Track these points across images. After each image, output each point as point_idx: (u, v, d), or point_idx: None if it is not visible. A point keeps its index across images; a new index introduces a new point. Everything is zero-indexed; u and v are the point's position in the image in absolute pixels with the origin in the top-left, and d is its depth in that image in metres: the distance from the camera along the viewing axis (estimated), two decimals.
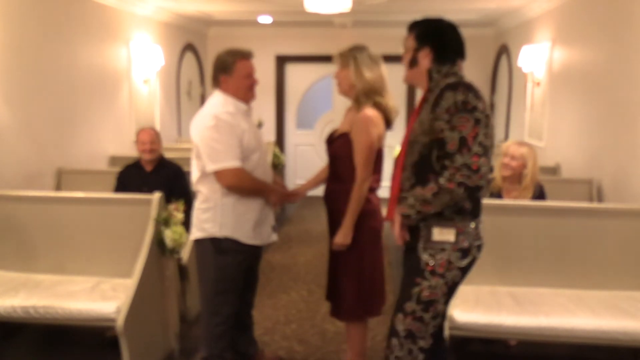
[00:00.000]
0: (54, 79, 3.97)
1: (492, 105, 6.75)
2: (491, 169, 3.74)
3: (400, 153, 2.10)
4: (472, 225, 1.99)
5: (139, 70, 5.14)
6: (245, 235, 2.57)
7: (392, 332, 2.07)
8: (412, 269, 2.04)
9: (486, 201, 3.13)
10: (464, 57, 2.07)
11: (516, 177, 3.19)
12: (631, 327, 2.48)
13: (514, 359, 3.12)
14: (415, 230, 2.02)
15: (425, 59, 2.03)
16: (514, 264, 2.96)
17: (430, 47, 2.01)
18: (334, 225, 2.61)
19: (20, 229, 3.11)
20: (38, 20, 3.77)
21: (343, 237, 2.50)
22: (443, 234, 1.97)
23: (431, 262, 1.99)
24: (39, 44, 3.78)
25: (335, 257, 2.63)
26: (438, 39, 2.02)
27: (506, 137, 5.95)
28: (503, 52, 6.32)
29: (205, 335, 2.67)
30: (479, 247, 2.03)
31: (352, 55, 2.49)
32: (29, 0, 3.67)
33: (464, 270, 2.01)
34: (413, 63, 2.07)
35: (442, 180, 1.88)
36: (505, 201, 3.18)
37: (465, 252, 1.98)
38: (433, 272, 1.99)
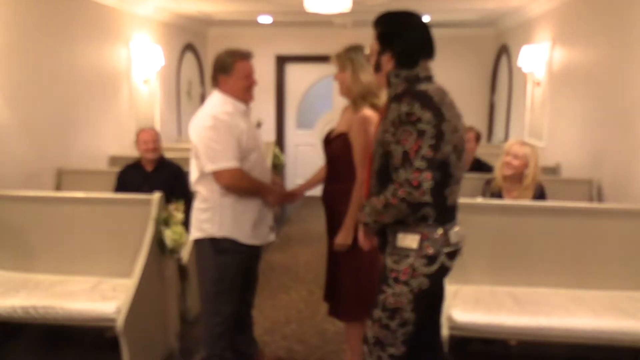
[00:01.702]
0: (54, 79, 3.97)
1: (492, 105, 6.76)
2: (489, 169, 3.75)
3: (368, 159, 2.06)
4: (440, 231, 1.89)
5: (139, 70, 5.14)
6: (244, 235, 2.57)
7: (364, 338, 2.05)
8: (381, 275, 1.99)
9: (486, 201, 3.15)
10: (432, 55, 1.95)
11: (517, 176, 3.20)
12: (631, 327, 2.49)
13: (514, 359, 3.12)
14: (384, 236, 1.99)
15: (388, 64, 1.94)
16: (514, 264, 2.96)
17: (392, 52, 1.92)
18: (332, 225, 2.61)
19: (20, 229, 3.11)
20: (38, 20, 3.77)
21: (344, 237, 2.50)
22: (407, 240, 1.90)
23: (395, 269, 1.92)
24: (39, 44, 3.78)
25: (335, 257, 2.63)
26: (399, 43, 1.92)
27: (506, 137, 5.94)
28: (503, 52, 6.32)
29: (205, 335, 2.67)
30: (452, 254, 1.93)
31: (349, 58, 2.49)
32: (29, 1, 3.67)
33: (432, 278, 1.91)
34: (377, 67, 1.99)
35: (387, 194, 1.84)
36: (506, 201, 3.18)
37: (431, 259, 1.89)
38: (396, 279, 1.91)
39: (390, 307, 1.94)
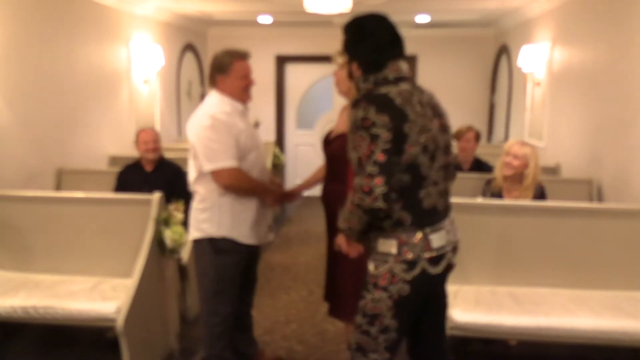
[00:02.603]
0: (54, 79, 3.97)
1: (492, 105, 6.76)
2: (489, 169, 3.75)
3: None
4: (418, 235, 1.83)
5: (139, 70, 5.14)
6: (242, 234, 2.57)
7: (347, 344, 2.03)
8: (364, 280, 1.97)
9: (486, 201, 3.15)
10: (401, 54, 1.92)
11: (517, 177, 3.19)
12: (631, 327, 2.49)
13: (514, 359, 3.12)
14: (366, 241, 1.96)
15: (357, 71, 1.93)
16: (514, 264, 2.96)
17: (357, 60, 1.92)
18: (332, 225, 2.61)
19: (20, 229, 3.11)
20: (38, 20, 3.77)
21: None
22: (385, 245, 1.86)
23: (374, 274, 1.89)
24: (39, 44, 3.78)
25: (334, 257, 2.63)
26: (362, 49, 1.90)
27: (506, 137, 5.94)
28: (503, 52, 6.32)
29: (205, 335, 2.67)
30: (435, 259, 1.87)
31: None
32: (29, 1, 3.67)
33: (414, 284, 1.85)
34: (350, 75, 1.98)
35: (348, 201, 1.83)
36: (506, 201, 3.18)
37: (410, 264, 1.83)
38: (375, 285, 1.88)
39: (370, 313, 1.91)
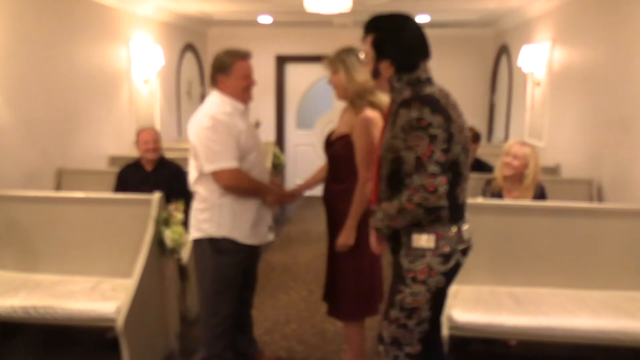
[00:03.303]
0: (54, 79, 3.97)
1: (492, 105, 6.76)
2: (490, 169, 3.75)
3: (375, 164, 2.05)
4: (454, 229, 1.92)
5: (139, 70, 5.14)
6: (242, 235, 2.57)
7: (379, 338, 2.05)
8: (396, 275, 2.01)
9: (486, 201, 3.15)
10: (429, 55, 1.96)
11: (517, 177, 3.19)
12: (631, 327, 2.49)
13: (514, 359, 3.12)
14: (397, 237, 1.99)
15: (387, 71, 1.93)
16: (514, 264, 2.96)
17: (390, 59, 1.91)
18: (333, 225, 2.61)
19: (20, 229, 3.11)
20: (38, 20, 3.77)
21: (346, 238, 2.50)
22: (422, 241, 1.91)
23: (412, 269, 1.93)
24: (39, 44, 3.78)
25: (335, 258, 2.63)
26: (398, 49, 1.91)
27: (506, 137, 5.94)
28: (503, 52, 6.32)
29: (205, 335, 2.67)
30: (464, 251, 1.97)
31: (340, 60, 2.49)
32: (29, 1, 3.67)
33: (448, 275, 1.95)
34: (375, 74, 1.98)
35: (402, 199, 1.84)
36: (506, 201, 3.18)
37: (447, 257, 1.92)
38: (414, 279, 1.93)
39: (408, 307, 1.95)
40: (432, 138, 1.78)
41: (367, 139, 2.43)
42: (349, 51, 2.51)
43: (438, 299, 1.99)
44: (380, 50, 1.93)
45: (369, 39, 1.96)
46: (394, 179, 1.92)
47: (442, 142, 1.79)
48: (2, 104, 3.44)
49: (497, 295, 2.80)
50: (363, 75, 2.46)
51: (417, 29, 1.94)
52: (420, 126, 1.79)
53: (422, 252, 1.92)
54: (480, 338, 2.95)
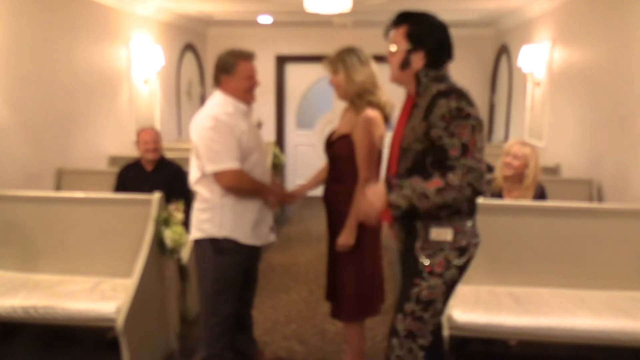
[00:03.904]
0: (54, 79, 3.97)
1: (492, 105, 6.76)
2: (490, 169, 3.75)
3: (392, 159, 2.04)
4: (469, 224, 1.98)
5: (139, 70, 5.14)
6: (244, 235, 2.57)
7: (392, 331, 2.07)
8: (411, 269, 2.03)
9: (486, 201, 3.15)
10: (452, 58, 2.01)
11: (518, 177, 3.19)
12: (631, 327, 2.48)
13: (514, 359, 3.12)
14: (412, 229, 2.00)
15: (418, 62, 1.95)
16: (514, 264, 2.96)
17: (425, 51, 1.94)
18: (333, 225, 2.61)
19: (20, 229, 3.11)
20: (38, 20, 3.77)
21: (346, 238, 2.50)
22: (441, 234, 1.95)
23: (429, 262, 1.97)
24: (39, 44, 3.78)
25: (335, 258, 2.63)
26: (434, 43, 1.95)
27: (506, 137, 5.94)
28: (503, 52, 6.32)
29: (205, 335, 2.67)
30: (476, 245, 2.03)
31: (340, 60, 2.49)
32: (29, 1, 3.67)
33: (461, 269, 2.00)
34: (405, 65, 1.98)
35: (452, 178, 1.82)
36: (506, 201, 3.18)
37: (462, 251, 1.97)
38: (432, 272, 1.97)
39: (425, 300, 1.98)
40: (474, 128, 1.84)
41: (368, 138, 2.43)
42: (349, 51, 2.51)
43: (451, 291, 2.03)
44: (418, 40, 1.95)
45: (402, 29, 1.98)
46: (417, 171, 1.93)
47: (479, 133, 1.86)
48: (2, 104, 3.44)
49: (496, 295, 2.80)
50: (362, 75, 2.46)
51: (449, 33, 1.99)
52: (461, 115, 1.83)
53: (440, 246, 1.95)
54: (480, 338, 2.95)
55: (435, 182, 1.84)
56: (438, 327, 2.22)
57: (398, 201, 1.89)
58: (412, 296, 2.00)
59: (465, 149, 1.83)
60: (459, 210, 1.93)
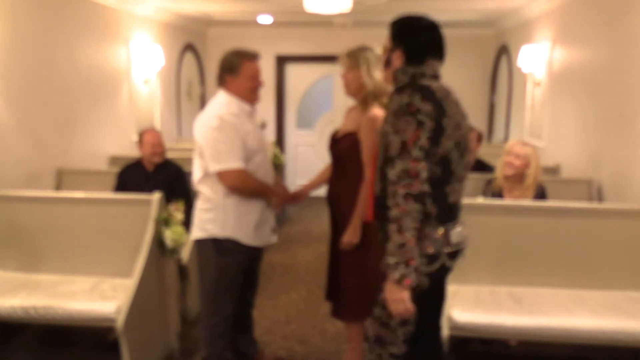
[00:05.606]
0: (54, 79, 3.97)
1: (492, 106, 6.76)
2: (488, 168, 3.75)
3: (373, 158, 2.05)
4: (440, 231, 1.87)
5: (139, 70, 5.14)
6: (246, 236, 2.57)
7: (365, 335, 2.05)
8: (381, 272, 1.93)
9: (486, 201, 3.15)
10: (442, 56, 1.98)
11: (518, 176, 3.20)
12: (631, 327, 2.48)
13: (513, 359, 3.12)
14: (386, 231, 1.89)
15: (397, 60, 1.96)
16: (514, 264, 2.96)
17: (401, 48, 1.95)
18: (337, 224, 2.60)
19: (20, 229, 3.11)
20: (38, 20, 3.77)
21: (351, 236, 2.50)
22: None
23: None
24: (39, 44, 3.78)
25: (337, 257, 2.62)
26: (410, 40, 1.95)
27: (506, 137, 5.94)
28: (503, 52, 6.32)
29: (205, 335, 2.67)
30: (453, 254, 1.91)
31: (363, 56, 2.49)
32: (29, 1, 3.67)
33: (433, 277, 1.88)
34: (387, 63, 2.02)
35: (393, 211, 1.75)
36: (506, 201, 3.18)
37: (432, 258, 1.86)
38: None
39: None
40: (420, 124, 1.77)
41: (373, 136, 2.43)
42: (367, 49, 2.52)
43: (423, 300, 1.88)
44: (397, 39, 1.98)
45: (390, 33, 2.02)
46: (383, 179, 1.91)
47: (428, 130, 1.78)
48: (2, 104, 3.43)
49: (497, 296, 2.80)
50: (381, 74, 2.46)
51: (433, 29, 1.98)
52: (409, 111, 1.79)
53: None
54: (480, 338, 2.95)
55: (393, 237, 1.76)
56: (437, 335, 2.18)
57: (402, 273, 1.77)
58: (379, 301, 1.95)
59: (403, 148, 1.77)
60: (426, 215, 1.82)
